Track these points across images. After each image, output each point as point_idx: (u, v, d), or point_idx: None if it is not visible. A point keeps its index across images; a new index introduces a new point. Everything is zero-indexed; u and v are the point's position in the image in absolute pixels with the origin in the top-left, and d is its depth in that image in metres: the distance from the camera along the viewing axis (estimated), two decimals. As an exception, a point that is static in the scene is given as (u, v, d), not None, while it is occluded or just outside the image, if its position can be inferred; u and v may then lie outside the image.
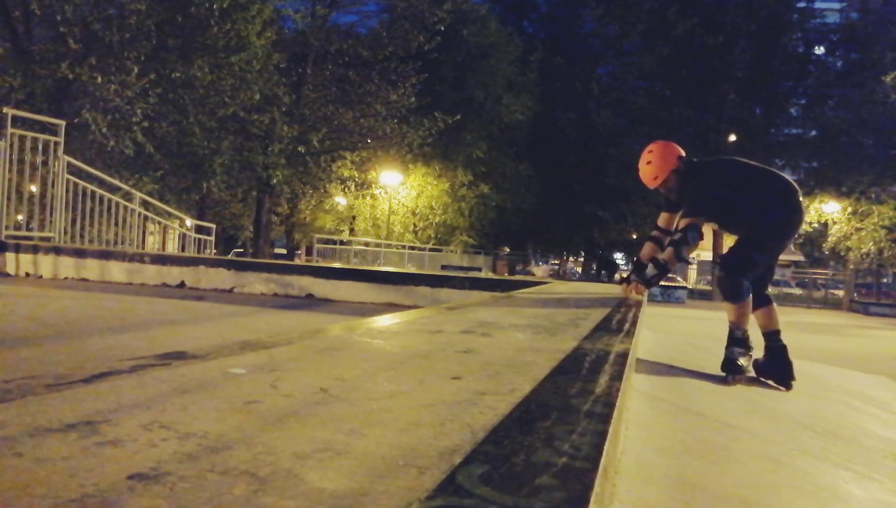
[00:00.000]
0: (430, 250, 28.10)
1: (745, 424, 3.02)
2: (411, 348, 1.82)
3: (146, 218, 9.93)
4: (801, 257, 36.97)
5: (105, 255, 6.60)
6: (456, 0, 23.57)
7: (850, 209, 25.29)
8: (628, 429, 2.26)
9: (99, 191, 8.32)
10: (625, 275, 4.91)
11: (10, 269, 6.67)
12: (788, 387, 4.03)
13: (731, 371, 3.99)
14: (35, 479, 0.74)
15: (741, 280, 3.97)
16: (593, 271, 37.64)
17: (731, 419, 3.07)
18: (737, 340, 4.06)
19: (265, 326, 4.07)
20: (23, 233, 7.46)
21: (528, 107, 30.67)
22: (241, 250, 31.95)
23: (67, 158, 7.83)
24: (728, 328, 4.12)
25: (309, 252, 24.65)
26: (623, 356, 1.75)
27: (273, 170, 18.50)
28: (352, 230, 27.69)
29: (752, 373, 4.13)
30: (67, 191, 7.78)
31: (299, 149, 19.72)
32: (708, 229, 4.75)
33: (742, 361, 4.02)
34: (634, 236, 37.57)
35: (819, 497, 2.18)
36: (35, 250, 6.70)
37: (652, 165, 4.26)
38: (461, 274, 7.58)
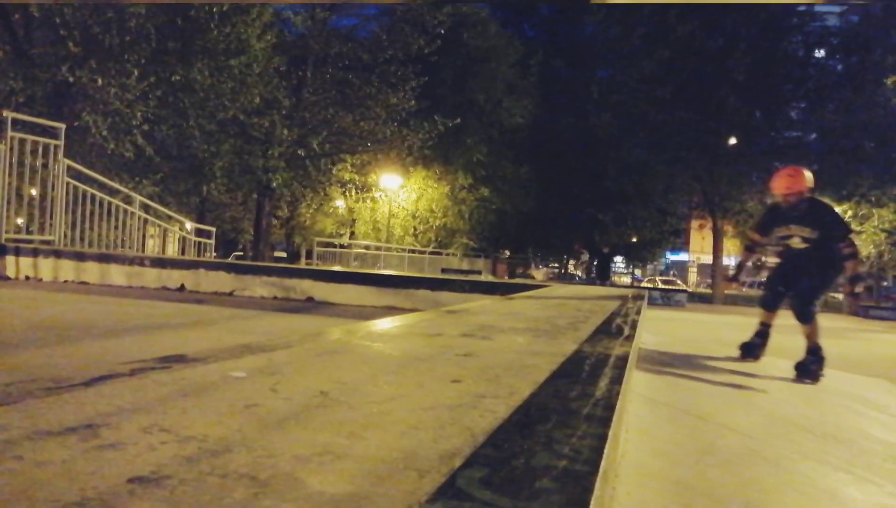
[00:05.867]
0: (431, 253, 28.07)
1: (745, 427, 3.02)
2: (411, 351, 1.82)
3: (146, 221, 9.92)
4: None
5: (105, 258, 6.60)
6: (456, 3, 23.56)
7: (850, 212, 25.27)
8: (628, 433, 2.26)
9: (99, 194, 8.32)
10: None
11: (11, 272, 6.67)
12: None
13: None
14: (35, 482, 0.74)
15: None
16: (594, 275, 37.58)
17: (731, 423, 3.06)
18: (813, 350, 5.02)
19: (265, 329, 4.07)
20: (23, 236, 7.46)
21: (529, 110, 30.64)
22: (241, 253, 31.96)
23: (67, 161, 7.82)
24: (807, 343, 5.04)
25: (308, 256, 24.69)
26: (623, 360, 1.75)
27: (273, 173, 18.50)
28: (352, 234, 27.67)
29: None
30: (67, 194, 7.78)
31: (299, 152, 19.71)
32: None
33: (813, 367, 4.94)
34: (634, 240, 37.57)
35: (819, 500, 2.18)
36: (35, 253, 6.70)
37: (792, 179, 5.02)
38: (461, 277, 7.57)
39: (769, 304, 5.43)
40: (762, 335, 5.43)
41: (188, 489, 0.74)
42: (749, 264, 5.68)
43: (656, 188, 30.39)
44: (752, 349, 5.37)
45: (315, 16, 21.57)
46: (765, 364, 5.21)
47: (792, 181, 5.01)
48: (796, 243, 5.11)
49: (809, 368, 4.88)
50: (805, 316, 5.01)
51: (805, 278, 5.05)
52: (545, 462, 0.86)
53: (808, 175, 5.04)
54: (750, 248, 5.75)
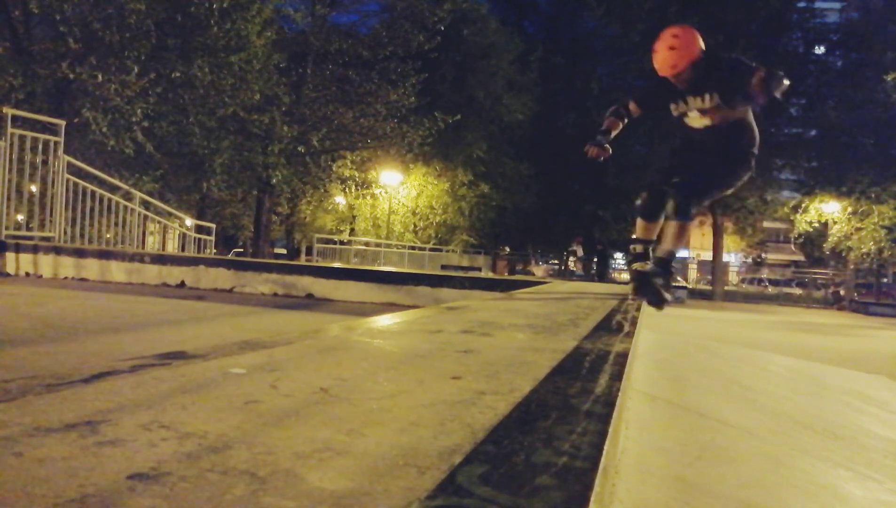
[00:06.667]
0: (431, 249, 28.09)
1: (745, 424, 3.02)
2: (411, 347, 1.82)
3: (146, 218, 9.92)
4: (801, 257, 36.95)
5: (105, 255, 6.60)
6: (456, 0, 23.53)
7: (850, 209, 25.29)
8: (628, 429, 2.26)
9: (99, 191, 8.32)
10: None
11: (10, 269, 6.67)
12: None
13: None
14: (35, 479, 0.74)
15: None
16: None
17: (731, 419, 3.07)
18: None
19: (265, 326, 4.07)
20: (23, 233, 7.45)
21: (529, 106, 30.64)
22: (241, 249, 31.98)
23: (67, 157, 7.82)
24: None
25: (308, 252, 24.68)
26: (623, 356, 1.75)
27: (273, 170, 18.51)
28: (352, 230, 27.69)
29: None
30: (67, 190, 7.78)
31: (299, 149, 19.72)
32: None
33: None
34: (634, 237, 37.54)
35: (819, 496, 2.18)
36: (35, 249, 6.70)
37: (675, 52, 3.91)
38: (461, 274, 7.58)
39: (650, 212, 4.30)
40: (660, 264, 4.19)
41: (188, 485, 0.74)
42: (614, 132, 4.45)
43: (656, 185, 30.38)
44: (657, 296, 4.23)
45: (315, 12, 21.56)
46: (765, 361, 5.21)
47: (677, 55, 3.89)
48: (694, 119, 4.12)
49: (651, 281, 3.91)
50: (684, 211, 3.95)
51: (703, 164, 4.02)
52: (545, 459, 0.86)
53: (697, 34, 3.92)
54: (620, 116, 4.61)
